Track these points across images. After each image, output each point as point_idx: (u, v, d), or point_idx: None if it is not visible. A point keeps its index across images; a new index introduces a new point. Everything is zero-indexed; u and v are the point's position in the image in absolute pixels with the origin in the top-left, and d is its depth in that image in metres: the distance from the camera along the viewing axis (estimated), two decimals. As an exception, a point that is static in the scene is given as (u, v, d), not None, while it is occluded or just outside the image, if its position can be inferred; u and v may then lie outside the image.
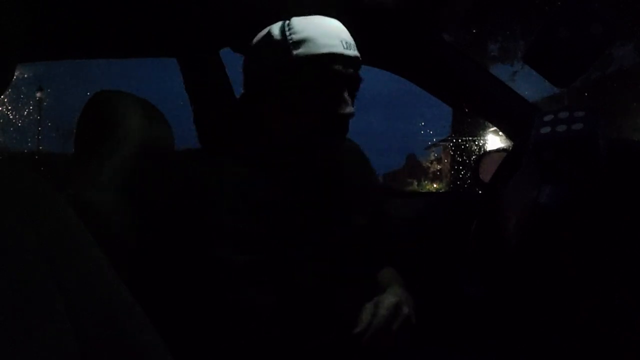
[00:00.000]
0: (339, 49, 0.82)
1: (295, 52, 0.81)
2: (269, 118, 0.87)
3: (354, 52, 0.85)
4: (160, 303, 0.71)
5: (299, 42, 0.81)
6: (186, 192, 0.81)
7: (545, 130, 0.81)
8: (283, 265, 0.79)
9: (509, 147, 1.36)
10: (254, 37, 0.96)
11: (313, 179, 0.89)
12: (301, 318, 0.79)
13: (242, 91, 0.93)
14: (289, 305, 0.78)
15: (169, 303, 0.77)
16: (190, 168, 0.85)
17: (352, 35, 0.89)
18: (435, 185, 16.09)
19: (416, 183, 16.77)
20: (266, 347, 0.76)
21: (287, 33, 0.82)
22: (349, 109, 0.83)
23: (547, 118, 0.82)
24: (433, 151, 18.11)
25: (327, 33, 0.83)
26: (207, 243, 0.76)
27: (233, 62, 1.13)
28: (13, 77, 0.51)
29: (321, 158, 0.88)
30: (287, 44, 0.81)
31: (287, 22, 0.85)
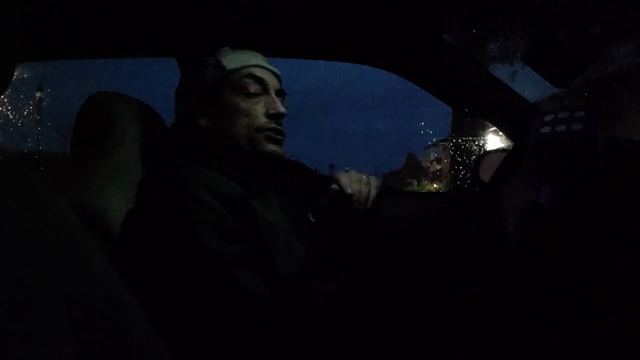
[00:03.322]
0: (262, 62, 1.01)
1: (228, 67, 0.98)
2: (215, 132, 0.97)
3: (274, 69, 1.03)
4: (159, 301, 0.71)
5: (229, 61, 0.99)
6: (173, 191, 0.82)
7: (545, 130, 0.81)
8: (268, 257, 0.82)
9: (509, 147, 1.36)
10: (254, 37, 0.99)
11: (277, 179, 1.00)
12: (288, 305, 0.81)
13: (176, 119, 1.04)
14: (278, 293, 0.80)
15: (168, 301, 0.77)
16: (176, 170, 0.86)
17: (352, 35, 0.93)
18: (435, 185, 16.12)
19: (416, 183, 16.80)
20: (262, 335, 0.77)
21: (218, 57, 1.00)
22: (282, 110, 0.98)
23: (547, 118, 0.82)
24: (433, 151, 18.16)
25: (251, 53, 1.02)
26: (197, 237, 0.77)
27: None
28: (13, 77, 0.51)
29: (270, 155, 0.98)
30: (221, 64, 0.99)
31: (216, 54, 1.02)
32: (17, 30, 0.48)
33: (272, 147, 0.97)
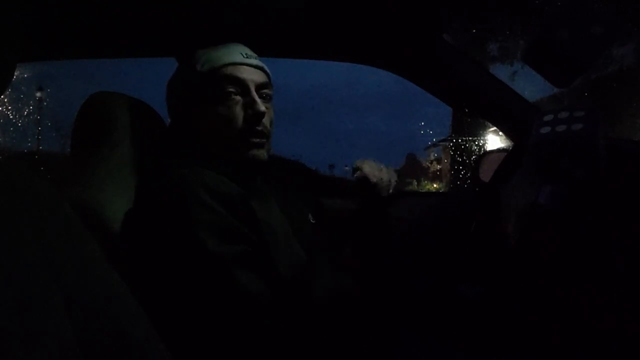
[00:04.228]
0: (238, 58, 0.95)
1: (200, 69, 0.94)
2: (201, 133, 0.95)
3: (255, 61, 0.97)
4: (159, 301, 0.71)
5: (203, 63, 0.95)
6: (173, 191, 0.82)
7: (546, 130, 0.81)
8: (268, 258, 0.82)
9: (509, 147, 1.36)
10: (254, 37, 0.98)
11: (270, 180, 0.99)
12: (286, 305, 0.81)
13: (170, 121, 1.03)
14: (278, 293, 0.80)
15: (168, 301, 0.77)
16: (175, 170, 0.86)
17: (352, 35, 0.93)
18: (435, 185, 16.11)
19: (416, 183, 16.79)
20: (262, 335, 0.77)
21: (192, 61, 0.96)
22: (262, 109, 0.93)
23: (547, 118, 0.82)
24: (433, 151, 18.17)
25: (227, 50, 0.97)
26: (197, 237, 0.77)
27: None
28: (13, 77, 0.51)
29: (256, 157, 0.95)
30: (194, 67, 0.95)
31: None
32: (17, 30, 0.48)
33: (254, 154, 0.94)
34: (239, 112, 0.93)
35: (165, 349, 0.51)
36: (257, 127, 0.93)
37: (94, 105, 0.99)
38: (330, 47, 1.39)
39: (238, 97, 0.94)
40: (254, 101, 0.93)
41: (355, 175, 1.07)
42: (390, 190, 1.08)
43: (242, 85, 0.94)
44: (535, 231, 0.83)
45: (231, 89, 0.93)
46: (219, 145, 0.94)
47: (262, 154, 0.95)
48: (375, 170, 1.07)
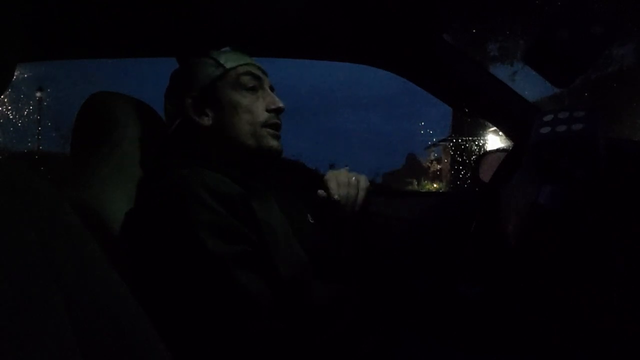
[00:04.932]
0: (253, 61, 1.03)
1: (227, 66, 0.99)
2: (216, 131, 0.97)
3: (261, 67, 1.05)
4: (159, 301, 0.71)
5: (225, 60, 1.00)
6: (173, 191, 0.82)
7: (546, 130, 0.81)
8: (268, 258, 0.82)
9: (509, 147, 1.36)
10: (254, 37, 0.99)
11: (274, 179, 1.01)
12: (286, 307, 0.81)
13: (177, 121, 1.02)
14: (278, 293, 0.80)
15: (168, 301, 0.77)
16: (175, 170, 0.86)
17: (352, 35, 0.94)
18: (435, 185, 16.12)
19: (416, 183, 16.81)
20: (262, 335, 0.77)
21: (216, 57, 1.00)
22: (282, 104, 1.00)
23: (547, 118, 0.82)
24: (433, 151, 18.17)
25: (241, 53, 1.03)
26: (197, 237, 0.77)
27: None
28: (13, 77, 0.51)
29: (268, 153, 0.98)
30: (219, 62, 0.99)
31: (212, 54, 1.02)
32: (17, 30, 0.48)
33: (274, 143, 0.98)
34: (260, 105, 0.99)
35: (165, 349, 0.51)
36: (277, 120, 0.99)
37: (94, 105, 0.99)
38: (330, 47, 1.39)
39: (258, 93, 1.00)
40: (273, 96, 1.01)
41: (317, 192, 1.02)
42: (356, 208, 1.01)
43: (261, 83, 1.01)
44: (535, 231, 0.83)
45: (253, 84, 0.99)
46: (239, 139, 0.96)
47: (280, 146, 1.00)
48: (341, 187, 1.02)
